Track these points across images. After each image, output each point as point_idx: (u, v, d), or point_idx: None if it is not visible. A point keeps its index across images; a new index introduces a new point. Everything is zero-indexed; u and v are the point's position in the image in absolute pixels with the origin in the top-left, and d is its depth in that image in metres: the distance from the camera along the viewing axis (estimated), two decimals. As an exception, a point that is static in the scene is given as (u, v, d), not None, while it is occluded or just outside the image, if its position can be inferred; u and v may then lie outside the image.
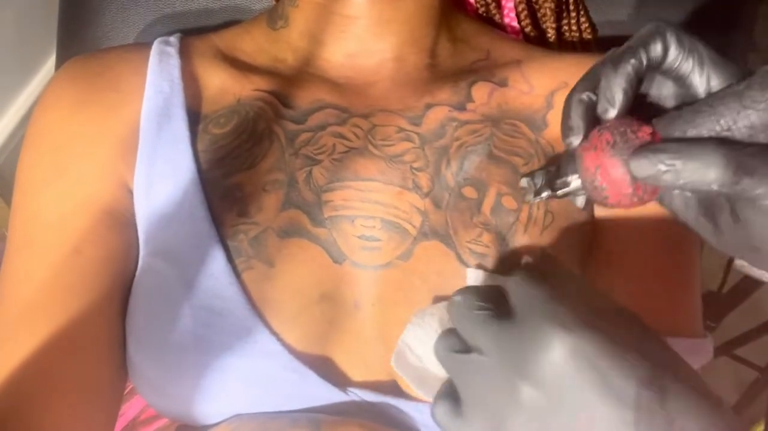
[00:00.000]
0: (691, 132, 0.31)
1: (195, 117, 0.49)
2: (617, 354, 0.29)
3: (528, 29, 0.59)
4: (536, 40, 0.59)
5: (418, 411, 0.43)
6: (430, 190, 0.47)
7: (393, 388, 0.44)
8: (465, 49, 0.53)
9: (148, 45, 0.52)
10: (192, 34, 0.55)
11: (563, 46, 0.60)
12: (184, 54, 0.51)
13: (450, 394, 0.34)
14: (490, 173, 0.47)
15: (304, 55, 0.51)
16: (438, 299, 0.44)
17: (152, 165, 0.47)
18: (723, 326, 1.08)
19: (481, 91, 0.50)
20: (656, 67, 0.34)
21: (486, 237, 0.45)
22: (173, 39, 0.52)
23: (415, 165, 0.47)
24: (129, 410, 0.60)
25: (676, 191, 0.34)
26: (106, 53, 0.52)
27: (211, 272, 0.44)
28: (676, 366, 0.31)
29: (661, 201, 0.36)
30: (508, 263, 0.45)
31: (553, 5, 0.58)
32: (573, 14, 0.60)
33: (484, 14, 0.60)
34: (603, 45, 0.62)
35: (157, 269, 0.45)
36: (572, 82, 0.50)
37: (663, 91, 0.36)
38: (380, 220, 0.46)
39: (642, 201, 0.32)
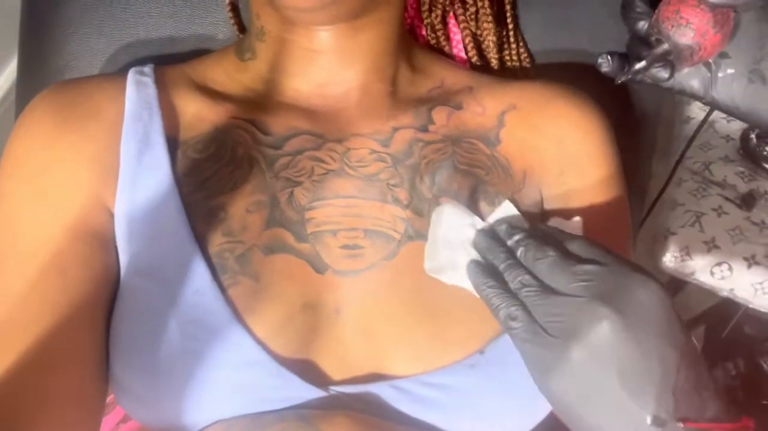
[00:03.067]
0: None
1: (174, 143, 0.51)
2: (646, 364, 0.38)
3: (474, 59, 0.64)
4: (482, 68, 0.64)
5: (395, 391, 0.46)
6: (410, 202, 0.50)
7: (371, 378, 0.47)
8: (422, 77, 0.57)
9: (122, 75, 0.53)
10: (159, 63, 0.56)
11: (505, 73, 0.65)
12: (160, 83, 0.53)
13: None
14: (461, 183, 0.51)
15: (274, 86, 0.54)
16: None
17: (134, 189, 0.49)
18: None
19: (440, 114, 0.55)
20: None
21: None
22: (147, 69, 0.54)
23: (392, 182, 0.51)
24: (104, 425, 0.60)
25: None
26: (84, 83, 0.53)
27: (196, 288, 0.46)
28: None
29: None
30: None
31: (495, 38, 0.64)
32: (513, 46, 0.66)
33: (435, 45, 0.65)
34: (539, 71, 0.68)
35: (141, 287, 0.47)
36: (520, 105, 0.56)
37: None
38: (363, 230, 0.49)
39: (721, 31, 0.37)
